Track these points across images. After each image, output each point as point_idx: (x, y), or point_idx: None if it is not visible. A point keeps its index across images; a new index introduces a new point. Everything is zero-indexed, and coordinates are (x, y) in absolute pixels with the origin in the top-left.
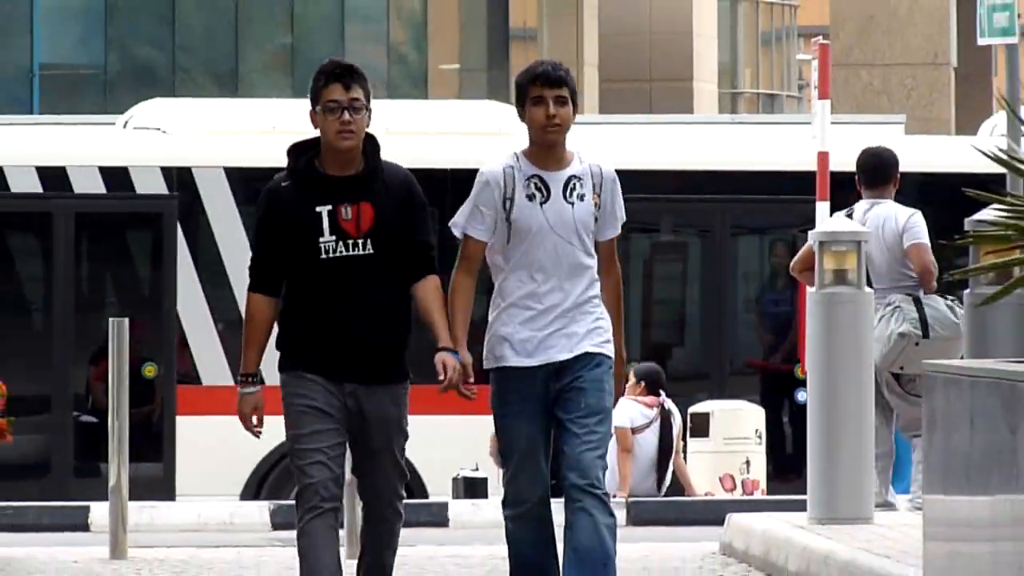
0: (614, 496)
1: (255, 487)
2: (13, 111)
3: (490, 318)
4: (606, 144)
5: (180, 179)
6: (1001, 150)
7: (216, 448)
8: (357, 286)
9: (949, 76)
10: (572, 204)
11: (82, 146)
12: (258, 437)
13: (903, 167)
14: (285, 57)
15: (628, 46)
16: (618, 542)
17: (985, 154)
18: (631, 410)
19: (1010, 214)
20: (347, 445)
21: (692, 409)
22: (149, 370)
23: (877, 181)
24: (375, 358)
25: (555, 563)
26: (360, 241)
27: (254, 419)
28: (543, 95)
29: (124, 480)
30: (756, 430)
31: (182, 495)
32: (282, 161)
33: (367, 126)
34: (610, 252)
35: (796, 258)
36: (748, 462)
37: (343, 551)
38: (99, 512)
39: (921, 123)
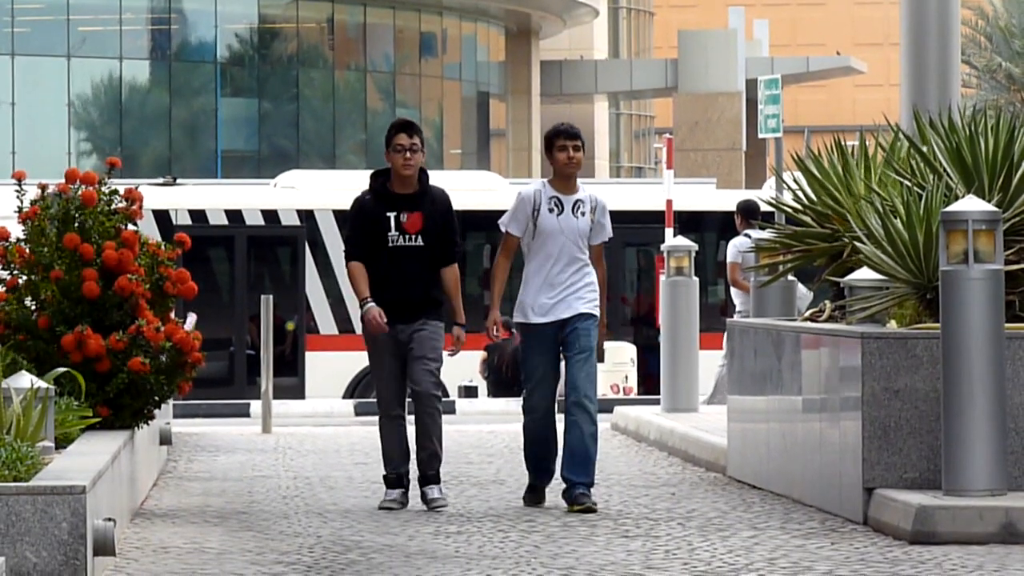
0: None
1: (351, 390)
2: (206, 177)
3: (521, 287)
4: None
5: (307, 216)
6: (772, 198)
7: (327, 369)
8: (409, 265)
9: (741, 156)
10: (577, 218)
11: (251, 197)
12: (387, 330)
13: (719, 207)
14: (360, 146)
15: None
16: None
17: (765, 200)
18: None
19: (777, 234)
20: (403, 368)
21: None
22: (290, 325)
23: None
24: (417, 308)
25: (554, 444)
26: (414, 236)
27: (382, 320)
28: (565, 144)
29: (270, 388)
30: (631, 358)
31: (309, 396)
32: None
33: (422, 161)
34: (599, 253)
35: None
36: (627, 377)
37: None
38: (255, 406)
39: (725, 183)
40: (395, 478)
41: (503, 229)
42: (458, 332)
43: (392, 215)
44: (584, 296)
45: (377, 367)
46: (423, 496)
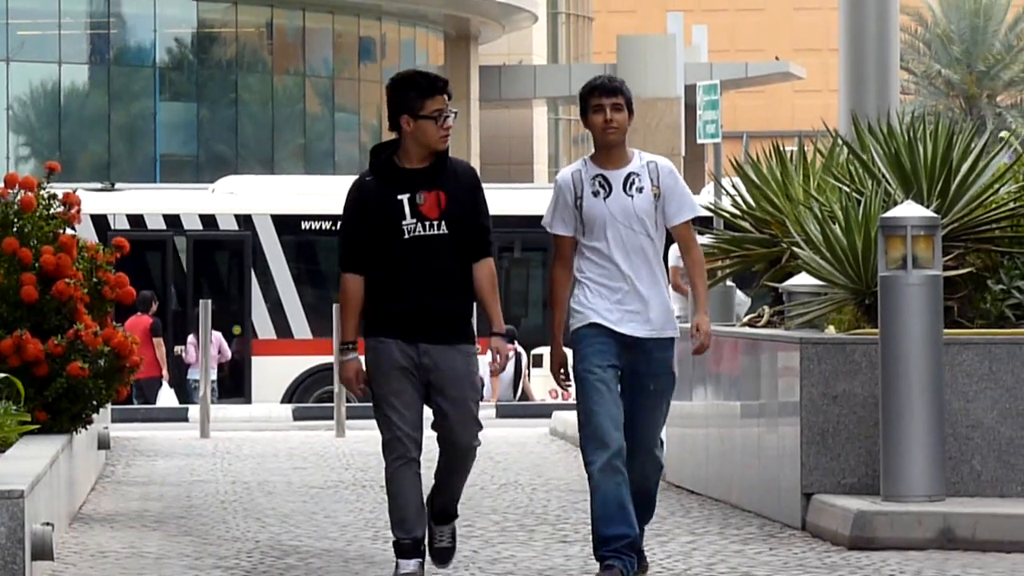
0: (489, 401)
1: (290, 395)
2: (144, 182)
3: (574, 291)
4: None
5: (245, 221)
6: (711, 204)
7: (268, 374)
8: (432, 262)
9: (680, 161)
10: (632, 196)
11: (189, 202)
12: (363, 395)
13: None
14: (300, 151)
15: (496, 142)
16: (490, 428)
17: (704, 206)
18: None
19: (716, 240)
20: (423, 399)
21: (533, 351)
22: (236, 329)
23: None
24: (444, 321)
25: (628, 498)
26: (436, 222)
27: (358, 384)
28: (601, 103)
29: (208, 392)
30: (570, 363)
31: (256, 400)
32: (300, 211)
33: None
34: (687, 234)
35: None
36: None
37: None
38: (193, 411)
39: None
40: (410, 544)
41: (549, 229)
42: (497, 344)
43: (404, 197)
44: (660, 309)
45: (385, 398)
46: (428, 532)
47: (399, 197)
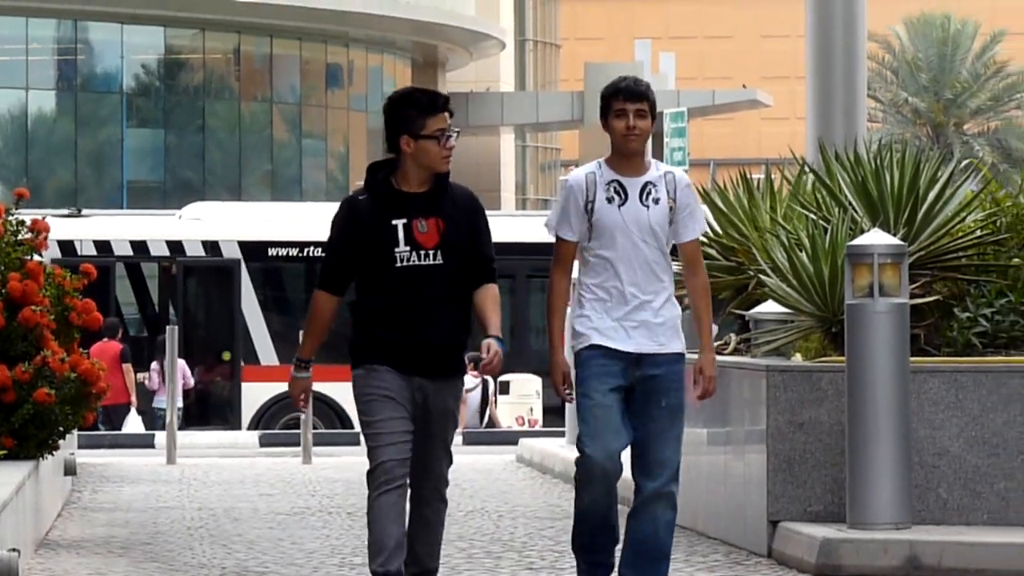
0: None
1: (256, 422)
2: (111, 208)
3: (572, 305)
4: None
5: (212, 247)
6: None
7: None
8: (426, 293)
9: None
10: (647, 207)
11: (155, 228)
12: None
13: None
14: (267, 177)
15: (464, 169)
16: (457, 455)
17: None
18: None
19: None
20: (413, 430)
21: (501, 378)
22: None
23: None
24: (439, 357)
25: (618, 525)
26: (431, 252)
27: (303, 403)
28: (625, 108)
29: (175, 418)
30: (536, 391)
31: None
32: (267, 237)
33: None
34: (694, 254)
35: None
36: (532, 409)
37: None
38: (160, 437)
39: None
40: None
41: (550, 233)
42: (489, 343)
43: (400, 223)
44: (668, 323)
45: (378, 420)
46: None
47: (394, 222)
